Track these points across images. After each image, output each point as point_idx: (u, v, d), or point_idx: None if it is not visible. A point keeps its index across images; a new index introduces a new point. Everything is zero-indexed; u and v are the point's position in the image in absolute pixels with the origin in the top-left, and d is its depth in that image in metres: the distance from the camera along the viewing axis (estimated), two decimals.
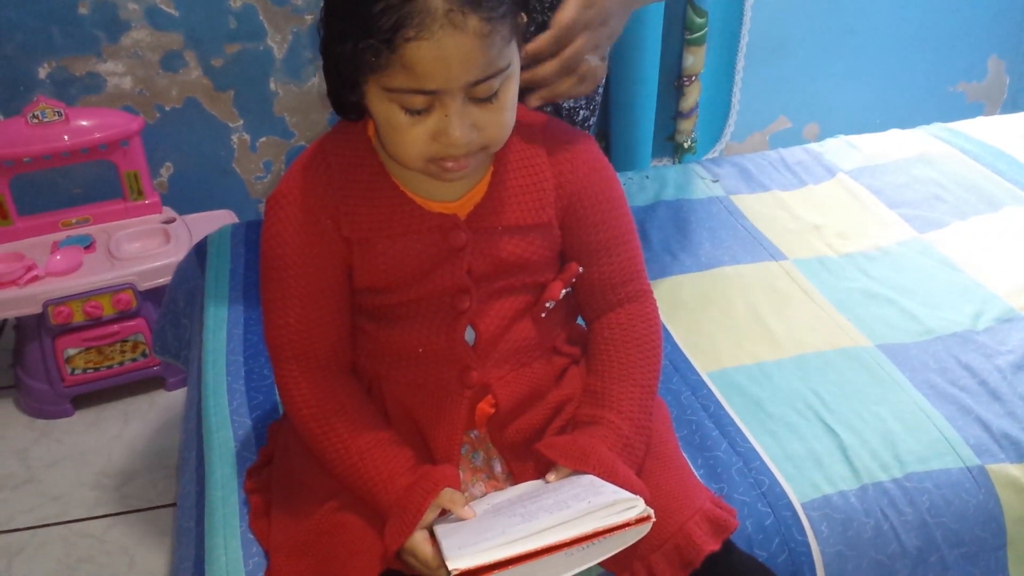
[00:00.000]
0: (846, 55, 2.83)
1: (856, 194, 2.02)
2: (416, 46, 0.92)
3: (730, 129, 2.67)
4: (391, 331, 1.14)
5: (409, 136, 0.99)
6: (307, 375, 1.13)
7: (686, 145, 2.57)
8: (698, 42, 2.41)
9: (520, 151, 1.13)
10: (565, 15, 1.19)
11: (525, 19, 1.04)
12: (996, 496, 1.30)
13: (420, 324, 1.13)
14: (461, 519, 1.05)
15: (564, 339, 1.22)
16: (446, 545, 0.98)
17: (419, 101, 0.96)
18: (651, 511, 1.00)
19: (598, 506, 0.98)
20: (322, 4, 1.01)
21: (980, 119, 2.36)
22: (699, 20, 2.38)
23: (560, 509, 0.99)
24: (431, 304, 1.12)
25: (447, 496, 1.05)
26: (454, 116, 0.97)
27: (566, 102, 1.63)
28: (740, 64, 2.56)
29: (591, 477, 1.06)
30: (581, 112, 1.69)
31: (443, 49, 0.92)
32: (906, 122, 2.39)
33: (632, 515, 0.98)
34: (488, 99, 0.99)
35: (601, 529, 0.97)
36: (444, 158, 1.01)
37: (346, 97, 1.04)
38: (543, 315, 1.17)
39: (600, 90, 1.72)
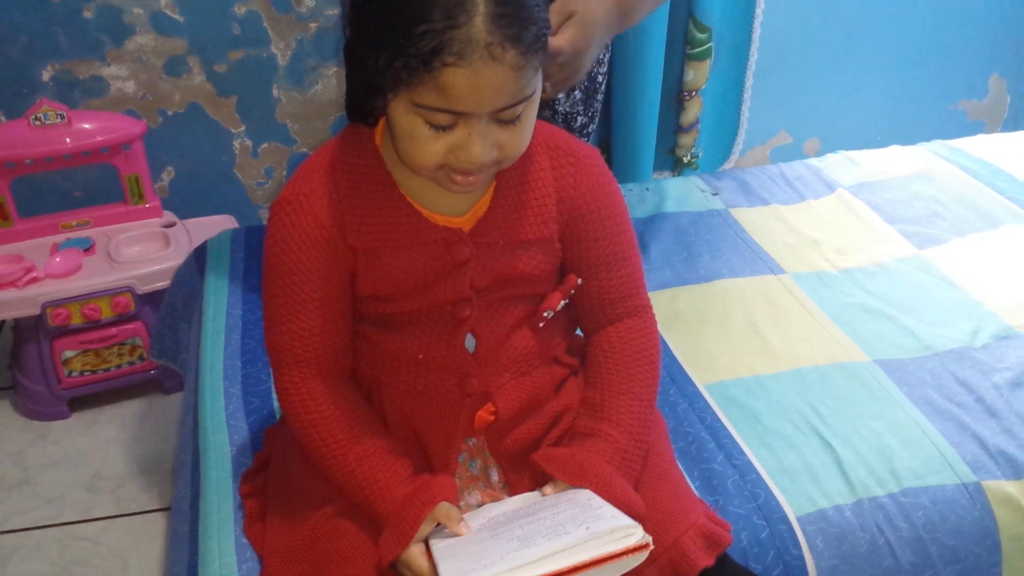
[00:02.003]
0: (848, 71, 2.84)
1: (855, 210, 2.02)
2: (452, 72, 0.93)
3: (739, 147, 2.67)
4: (392, 337, 1.14)
5: (428, 149, 1.00)
6: (307, 381, 1.13)
7: (685, 160, 2.58)
8: (699, 57, 2.42)
9: (523, 166, 1.13)
10: (560, 41, 1.25)
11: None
12: (992, 513, 1.30)
13: (421, 331, 1.13)
14: (456, 535, 1.05)
15: (564, 349, 1.22)
16: (443, 569, 0.98)
17: (445, 119, 0.97)
18: (650, 539, 0.99)
19: (597, 533, 0.97)
20: (351, 9, 1.01)
21: (980, 137, 2.37)
22: (700, 35, 2.38)
23: (558, 535, 0.98)
24: (432, 312, 1.13)
25: (443, 511, 1.05)
26: (476, 136, 0.98)
27: (563, 106, 1.65)
28: (748, 83, 2.57)
29: (588, 494, 1.06)
30: (579, 118, 1.69)
31: (479, 78, 0.93)
32: (907, 139, 2.40)
33: (631, 543, 0.98)
34: (511, 121, 1.00)
35: (599, 557, 0.96)
36: (456, 169, 1.01)
37: (368, 104, 1.05)
38: (541, 325, 1.17)
39: (600, 97, 1.73)
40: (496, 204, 1.12)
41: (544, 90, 1.29)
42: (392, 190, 1.10)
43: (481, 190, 1.11)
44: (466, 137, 0.98)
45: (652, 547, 0.99)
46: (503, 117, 0.99)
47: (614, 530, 0.98)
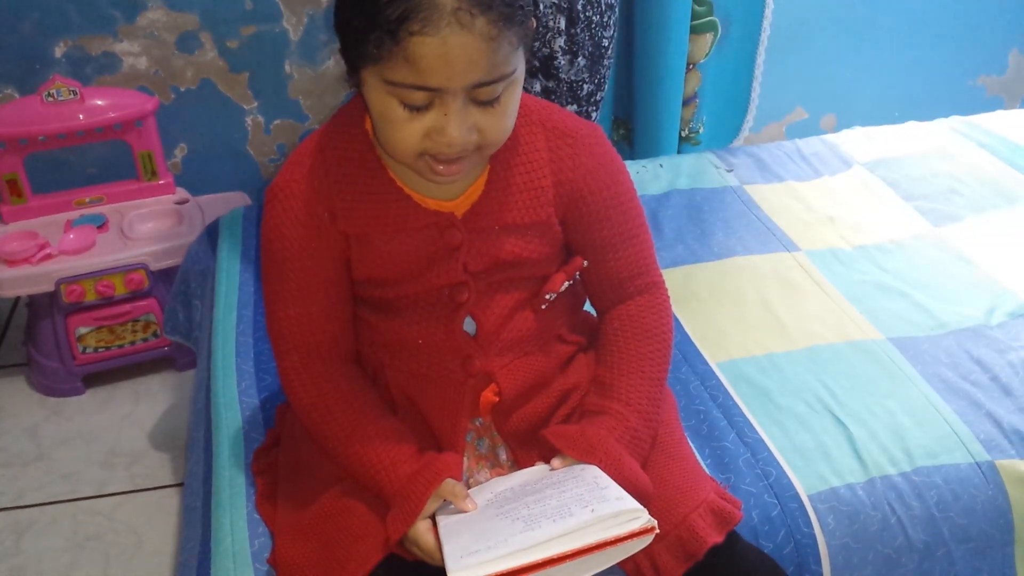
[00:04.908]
0: (865, 46, 2.81)
1: (871, 186, 2.00)
2: (420, 41, 0.90)
3: (748, 124, 2.64)
4: (392, 322, 1.14)
5: (404, 131, 0.97)
6: (309, 366, 1.13)
7: (683, 134, 2.55)
8: (697, 30, 2.40)
9: (518, 148, 1.11)
10: None
11: (534, 25, 1.01)
12: (1005, 492, 1.29)
13: (420, 316, 1.13)
14: (462, 511, 1.05)
15: (567, 327, 1.21)
16: (447, 551, 0.98)
17: (419, 97, 0.94)
18: (655, 522, 0.99)
19: (602, 516, 0.97)
20: None
21: (999, 113, 2.34)
22: (699, 8, 2.37)
23: (563, 517, 0.98)
24: (430, 297, 1.12)
25: (448, 487, 1.05)
26: (453, 116, 0.95)
27: (567, 75, 1.62)
28: (760, 59, 2.53)
29: (595, 473, 1.05)
30: (585, 86, 1.66)
31: (448, 48, 0.90)
32: (924, 115, 2.37)
33: (636, 527, 0.98)
34: (490, 103, 0.97)
35: (603, 541, 0.96)
36: (436, 155, 0.99)
37: (351, 81, 1.03)
38: (543, 307, 1.16)
39: (606, 63, 1.70)
40: (490, 188, 1.10)
41: None
42: (382, 174, 1.08)
43: (471, 176, 1.09)
44: (442, 118, 0.95)
45: (657, 531, 0.99)
46: (481, 97, 0.95)
47: (619, 513, 0.98)
